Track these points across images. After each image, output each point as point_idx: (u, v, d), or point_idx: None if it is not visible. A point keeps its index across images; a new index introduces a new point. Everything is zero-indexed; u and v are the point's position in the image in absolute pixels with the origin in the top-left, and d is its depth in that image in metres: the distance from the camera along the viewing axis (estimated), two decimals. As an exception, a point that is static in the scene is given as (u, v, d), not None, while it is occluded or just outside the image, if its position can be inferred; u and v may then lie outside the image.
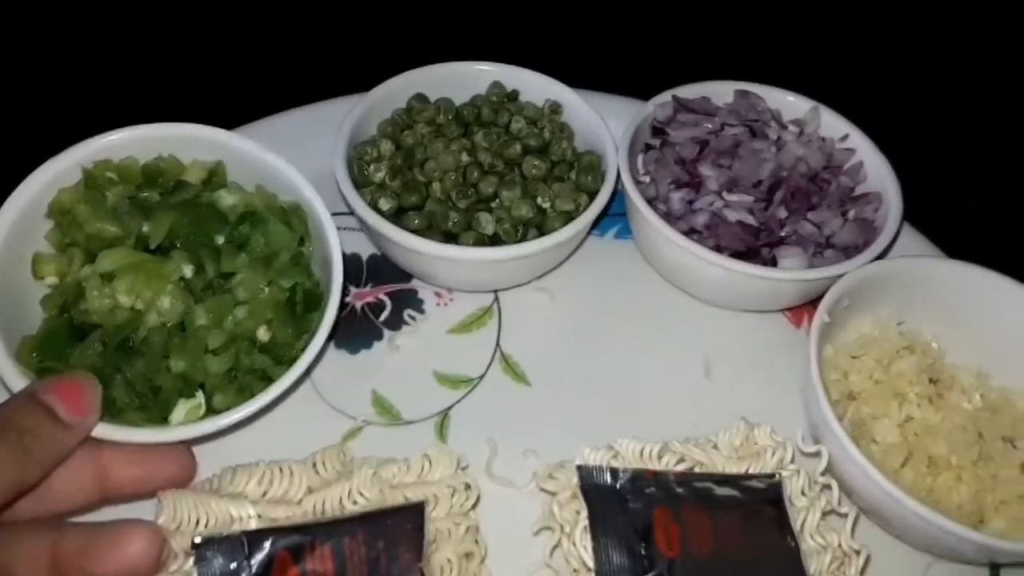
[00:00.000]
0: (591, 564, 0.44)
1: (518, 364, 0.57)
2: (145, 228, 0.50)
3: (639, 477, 0.46)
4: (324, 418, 0.53)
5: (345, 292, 0.59)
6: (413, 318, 0.59)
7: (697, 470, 0.48)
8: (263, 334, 0.50)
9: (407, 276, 0.60)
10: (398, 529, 0.43)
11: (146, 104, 0.75)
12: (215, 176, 0.54)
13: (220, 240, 0.52)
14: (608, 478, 0.46)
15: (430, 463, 0.46)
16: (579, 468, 0.47)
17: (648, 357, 0.58)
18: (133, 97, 0.76)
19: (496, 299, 0.60)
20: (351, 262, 0.61)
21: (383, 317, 0.58)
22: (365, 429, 0.53)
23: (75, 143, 0.52)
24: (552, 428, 0.53)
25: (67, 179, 0.51)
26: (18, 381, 0.45)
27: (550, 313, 0.60)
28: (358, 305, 0.59)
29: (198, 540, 0.42)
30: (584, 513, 0.45)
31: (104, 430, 0.44)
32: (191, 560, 0.41)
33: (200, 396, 0.49)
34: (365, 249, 0.62)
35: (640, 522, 0.45)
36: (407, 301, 0.59)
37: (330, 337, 0.53)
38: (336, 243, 0.52)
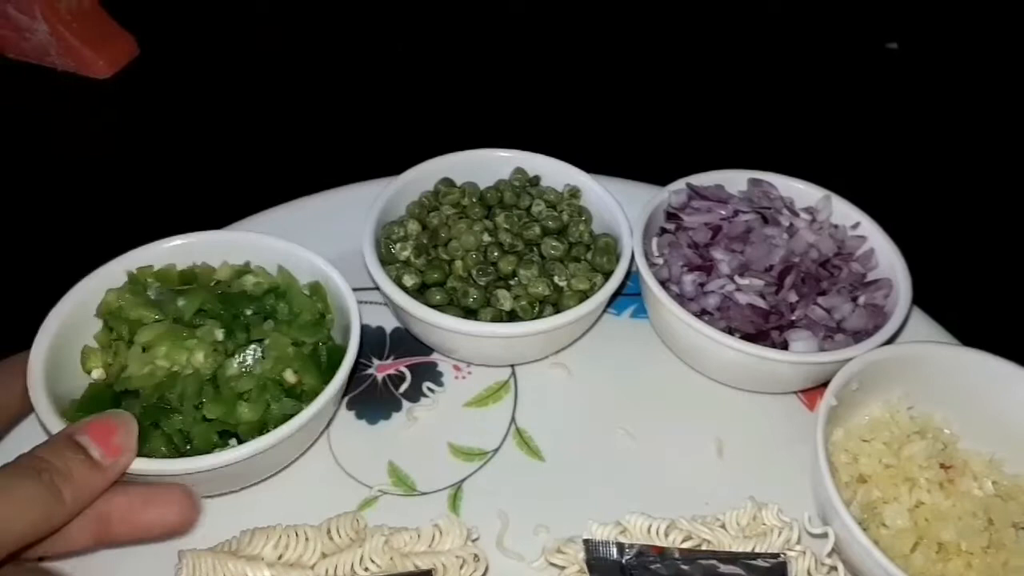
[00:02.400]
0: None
1: (532, 439, 0.58)
2: (180, 303, 0.54)
3: (645, 553, 0.47)
4: (342, 486, 0.55)
5: (368, 364, 0.62)
6: (432, 390, 0.60)
7: (703, 548, 0.48)
8: (290, 376, 0.53)
9: (428, 349, 0.63)
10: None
11: (201, 183, 0.80)
12: (246, 273, 0.59)
13: (248, 312, 0.55)
14: (614, 553, 0.47)
15: (440, 533, 0.48)
16: (586, 542, 0.47)
17: (661, 435, 0.59)
18: (191, 181, 0.81)
19: (513, 373, 0.62)
20: (375, 335, 0.64)
21: (403, 389, 0.60)
22: (381, 499, 0.54)
23: (122, 249, 0.57)
24: (564, 503, 0.54)
25: (114, 283, 0.56)
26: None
27: (566, 389, 0.62)
28: (379, 377, 0.61)
29: None
30: (590, 588, 0.46)
31: (137, 464, 0.46)
32: None
33: (234, 443, 0.51)
34: (389, 323, 0.64)
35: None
36: (427, 374, 0.61)
37: (351, 407, 0.56)
38: (354, 307, 0.55)
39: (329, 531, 0.47)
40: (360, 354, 0.61)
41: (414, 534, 0.47)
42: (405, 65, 0.97)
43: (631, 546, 0.47)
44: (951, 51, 1.03)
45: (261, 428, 0.51)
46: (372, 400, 0.60)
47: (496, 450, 0.57)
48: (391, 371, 0.62)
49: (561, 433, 0.58)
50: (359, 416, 0.59)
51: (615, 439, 0.58)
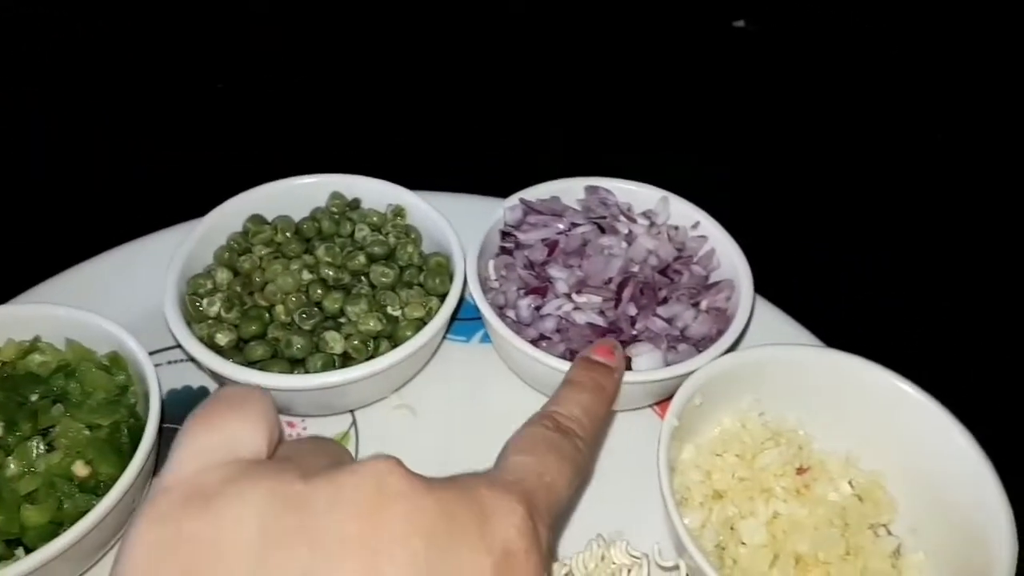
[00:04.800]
0: None
1: (375, 493, 0.54)
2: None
3: None
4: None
5: (191, 431, 0.56)
6: (262, 454, 0.55)
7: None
8: (80, 469, 0.47)
9: (257, 407, 0.57)
10: None
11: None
12: (33, 350, 0.52)
13: (34, 397, 0.49)
14: None
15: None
16: None
17: (513, 469, 0.55)
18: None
19: (354, 422, 0.57)
20: (198, 397, 0.58)
21: (229, 456, 0.55)
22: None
23: None
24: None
25: None
26: None
27: (411, 433, 0.57)
28: (204, 444, 0.56)
29: None
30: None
31: None
32: None
33: (21, 554, 0.45)
34: (213, 383, 0.59)
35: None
36: (256, 435, 0.56)
37: None
38: (152, 375, 0.50)
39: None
40: (180, 423, 0.56)
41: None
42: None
43: None
44: (801, 28, 1.02)
45: (55, 531, 0.45)
46: (195, 472, 0.54)
47: (334, 512, 0.53)
48: (216, 436, 0.56)
49: (406, 482, 0.54)
50: (181, 493, 0.53)
51: (465, 481, 0.54)
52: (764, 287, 0.62)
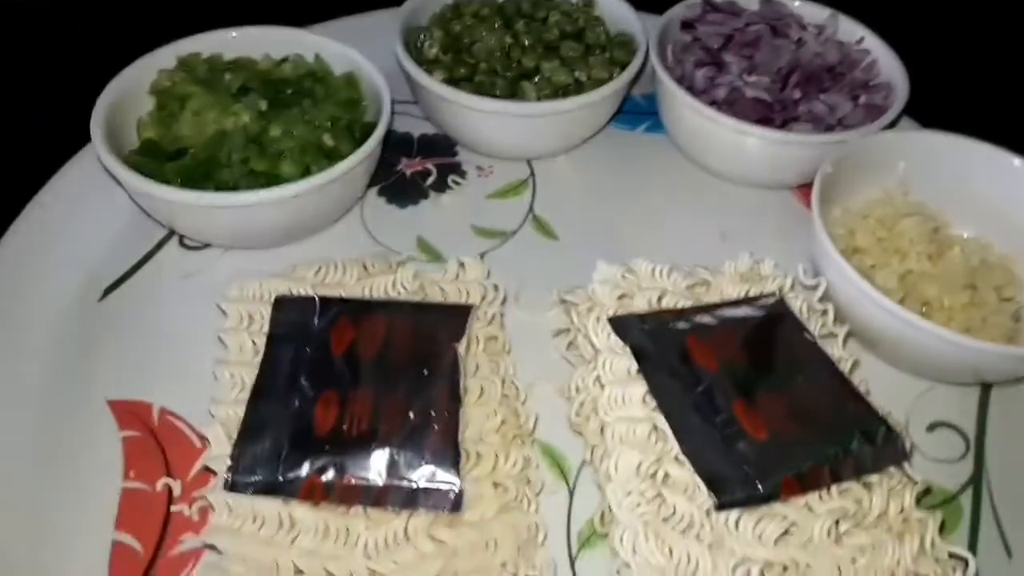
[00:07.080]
0: (604, 343, 0.48)
1: (549, 223, 0.62)
2: (227, 78, 0.59)
3: (662, 317, 0.50)
4: (374, 252, 0.59)
5: (396, 162, 0.66)
6: (457, 183, 0.65)
7: (705, 291, 0.52)
8: (328, 140, 0.57)
9: (453, 151, 0.67)
10: (444, 319, 0.49)
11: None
12: (284, 62, 0.63)
13: (288, 92, 0.60)
14: (639, 324, 0.49)
15: (464, 269, 0.52)
16: (611, 321, 0.49)
17: (669, 222, 0.63)
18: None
19: (532, 173, 0.66)
20: (403, 139, 0.68)
21: (429, 182, 0.65)
22: (410, 262, 0.58)
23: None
24: (576, 274, 0.58)
25: (165, 66, 0.61)
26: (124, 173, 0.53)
27: (581, 186, 0.66)
28: (408, 172, 0.66)
29: (276, 296, 0.49)
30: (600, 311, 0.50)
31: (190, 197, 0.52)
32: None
33: None
34: (416, 128, 0.69)
35: (677, 350, 0.48)
36: (452, 171, 0.66)
37: (382, 195, 0.63)
38: (384, 86, 0.60)
39: (364, 264, 0.52)
40: (388, 153, 0.66)
41: (440, 270, 0.52)
42: None
43: (649, 317, 0.50)
44: None
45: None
46: (401, 189, 0.64)
47: (515, 231, 0.62)
48: (418, 167, 0.66)
49: (576, 221, 0.63)
50: (389, 201, 0.63)
51: (625, 226, 0.63)
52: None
